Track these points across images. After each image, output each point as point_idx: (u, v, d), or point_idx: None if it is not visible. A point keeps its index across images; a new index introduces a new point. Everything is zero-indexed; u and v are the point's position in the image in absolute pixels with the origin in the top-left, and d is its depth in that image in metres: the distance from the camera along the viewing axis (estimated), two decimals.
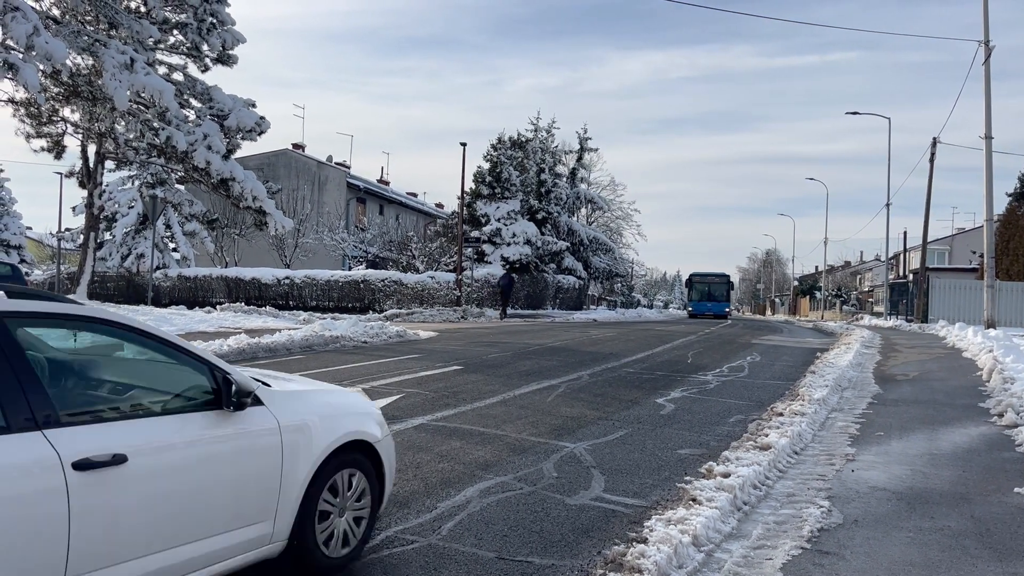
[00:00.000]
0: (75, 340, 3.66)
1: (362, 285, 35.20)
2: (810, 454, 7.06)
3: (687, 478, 5.91)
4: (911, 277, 48.27)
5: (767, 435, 7.19)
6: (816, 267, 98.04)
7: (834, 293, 76.61)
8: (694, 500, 5.08)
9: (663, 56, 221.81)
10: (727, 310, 51.29)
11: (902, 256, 60.46)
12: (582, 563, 4.22)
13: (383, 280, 35.23)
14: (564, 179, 50.09)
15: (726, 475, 5.67)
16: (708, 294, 50.97)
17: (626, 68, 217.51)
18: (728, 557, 4.34)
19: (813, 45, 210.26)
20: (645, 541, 4.28)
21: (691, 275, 53.40)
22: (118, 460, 2.98)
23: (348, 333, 16.71)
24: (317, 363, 12.75)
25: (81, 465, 2.85)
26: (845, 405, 9.89)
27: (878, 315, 46.36)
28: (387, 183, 60.59)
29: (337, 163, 54.49)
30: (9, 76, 14.77)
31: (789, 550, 4.48)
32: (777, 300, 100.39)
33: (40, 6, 17.00)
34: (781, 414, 8.51)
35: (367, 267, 42.50)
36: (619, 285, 65.79)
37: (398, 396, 9.37)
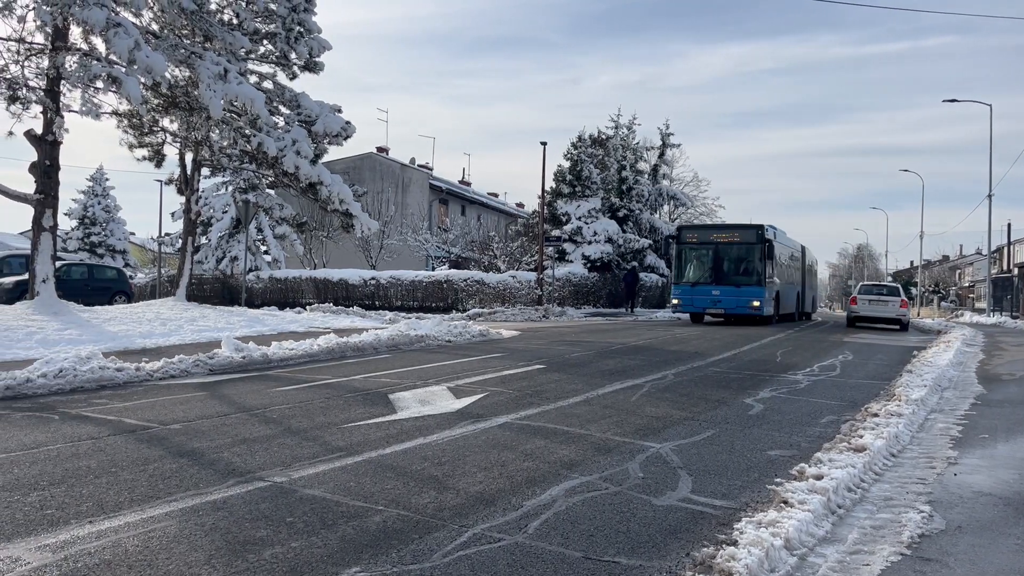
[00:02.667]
0: None
1: (445, 285, 35.61)
2: (908, 457, 6.79)
3: (777, 480, 5.77)
4: (1016, 271, 45.73)
5: (861, 436, 6.95)
6: (911, 262, 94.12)
7: (931, 289, 73.44)
8: (785, 502, 4.95)
9: (745, 48, 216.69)
10: (757, 302, 26.02)
11: (1006, 249, 57.42)
12: (670, 564, 4.17)
13: (465, 280, 35.57)
14: (646, 176, 49.53)
15: (819, 477, 5.52)
16: (718, 267, 26.89)
17: (707, 62, 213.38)
18: (822, 562, 4.22)
19: (904, 31, 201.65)
20: (735, 543, 4.20)
21: (680, 229, 29.84)
22: None
23: (432, 332, 16.95)
24: (403, 362, 12.98)
25: None
26: (946, 406, 9.48)
27: (980, 312, 44.11)
28: (468, 184, 61.19)
29: (420, 165, 55.34)
30: (113, 89, 15.54)
31: (888, 556, 4.32)
32: None
33: (140, 21, 17.82)
34: (876, 415, 8.21)
35: (450, 267, 42.98)
36: None
37: (482, 395, 9.45)
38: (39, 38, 17.12)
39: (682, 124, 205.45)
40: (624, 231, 43.09)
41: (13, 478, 5.55)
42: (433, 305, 35.02)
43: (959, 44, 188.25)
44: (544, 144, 35.31)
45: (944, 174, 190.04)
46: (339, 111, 22.49)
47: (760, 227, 27.15)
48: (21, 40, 16.99)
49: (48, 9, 15.10)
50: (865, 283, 34.52)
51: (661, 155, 52.67)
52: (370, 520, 4.74)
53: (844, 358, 15.69)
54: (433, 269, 43.01)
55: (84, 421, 7.68)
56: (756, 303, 26.22)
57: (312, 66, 22.83)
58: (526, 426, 7.68)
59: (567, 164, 42.95)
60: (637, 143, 50.19)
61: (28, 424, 7.50)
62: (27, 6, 16.14)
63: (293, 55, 22.22)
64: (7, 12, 15.83)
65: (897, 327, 28.21)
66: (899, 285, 34.76)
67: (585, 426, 7.74)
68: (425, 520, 4.77)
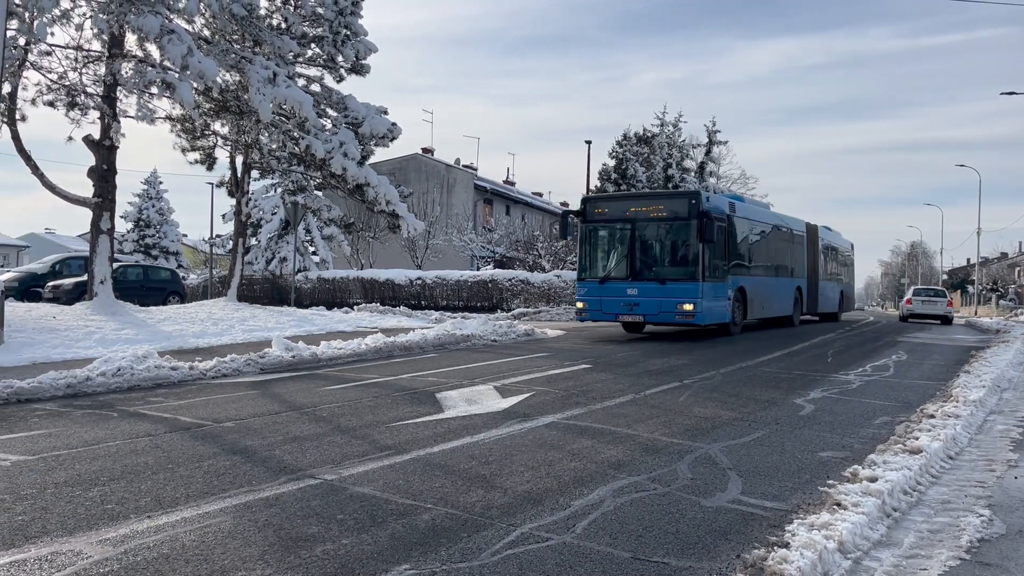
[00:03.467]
0: None
1: (490, 285, 35.70)
2: (966, 459, 6.61)
3: (830, 482, 5.67)
4: None
5: (917, 438, 6.80)
6: (968, 259, 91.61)
7: (989, 287, 71.39)
8: (839, 504, 4.86)
9: (793, 43, 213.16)
10: (690, 305, 17.27)
11: None
12: (720, 566, 4.13)
13: (510, 279, 35.60)
14: (692, 173, 49.07)
15: (873, 479, 5.41)
16: (635, 255, 17.96)
17: (754, 57, 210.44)
18: (878, 566, 4.14)
19: (959, 23, 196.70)
20: (787, 546, 4.14)
21: (585, 201, 19.28)
22: None
23: (478, 332, 17.01)
24: (449, 361, 13.05)
25: None
26: (1005, 407, 9.21)
27: None
28: (513, 183, 61.26)
29: (464, 165, 55.57)
30: (167, 94, 15.93)
31: (946, 560, 4.22)
32: None
33: (193, 28, 18.21)
34: (932, 416, 8.02)
35: (494, 267, 43.09)
36: None
37: (528, 394, 9.46)
38: (96, 46, 17.62)
39: (729, 121, 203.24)
40: None
41: (75, 474, 5.72)
42: (478, 305, 35.14)
43: (1016, 35, 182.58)
44: (589, 143, 35.23)
45: (1002, 169, 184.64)
46: (385, 113, 22.70)
47: (694, 195, 17.70)
48: (79, 48, 17.50)
49: (104, 17, 15.53)
50: (917, 287, 40.37)
51: (708, 152, 52.12)
52: (419, 518, 4.78)
53: (898, 358, 15.34)
54: (478, 269, 43.16)
55: (141, 419, 7.88)
56: (688, 306, 16.85)
57: (359, 68, 23.09)
58: (573, 426, 7.67)
59: (612, 162, 42.78)
60: (683, 140, 49.77)
61: (88, 421, 7.72)
62: (84, 14, 16.62)
63: (340, 58, 22.49)
64: (65, 20, 16.33)
65: (940, 322, 33.34)
66: (945, 289, 41.60)
67: (632, 426, 7.69)
68: (473, 519, 4.79)
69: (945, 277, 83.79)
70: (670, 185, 44.55)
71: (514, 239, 47.01)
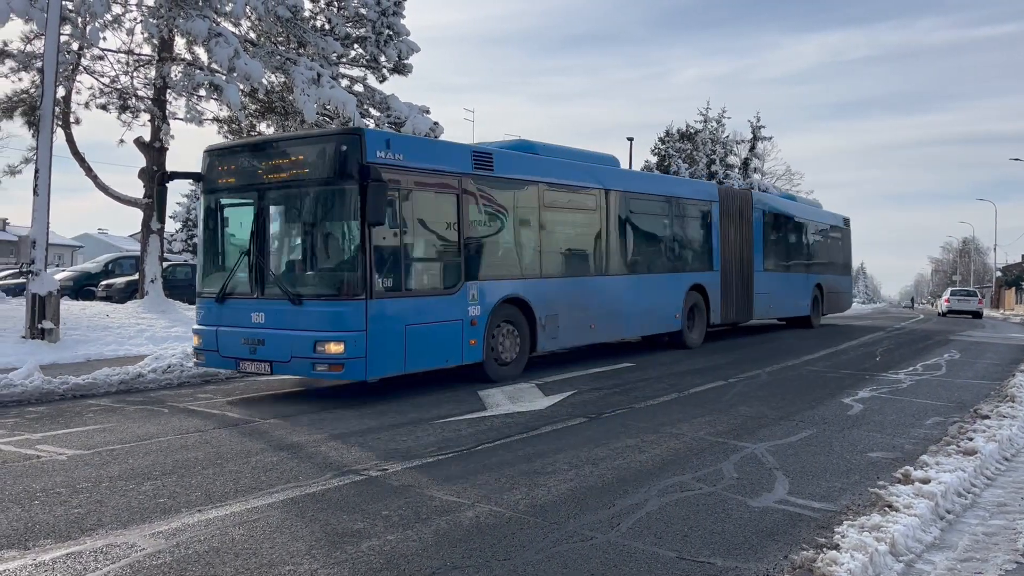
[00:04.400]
0: None
1: None
2: (1023, 461, 6.43)
3: (880, 483, 5.56)
4: None
5: (971, 439, 6.63)
6: (1023, 256, 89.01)
7: None
8: (890, 506, 4.77)
9: (840, 36, 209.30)
10: (338, 344, 8.36)
11: None
12: (767, 567, 4.08)
13: None
14: (736, 170, 48.48)
15: (925, 481, 5.29)
16: (261, 249, 9.17)
17: (799, 51, 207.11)
18: (931, 569, 4.05)
19: (1012, 13, 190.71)
20: (836, 547, 4.07)
21: (208, 153, 9.84)
22: None
23: None
24: None
25: None
26: None
27: None
28: None
29: None
30: (215, 96, 16.24)
31: (1002, 564, 4.11)
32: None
33: (239, 31, 18.51)
34: (987, 416, 7.82)
35: None
36: None
37: (571, 392, 9.44)
38: (146, 49, 18.02)
39: (774, 116, 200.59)
40: None
41: (129, 468, 5.86)
42: None
43: None
44: (631, 139, 35.02)
45: None
46: (427, 112, 22.81)
47: (352, 135, 8.90)
48: (130, 52, 17.91)
49: (154, 21, 15.87)
50: (954, 288, 46.79)
51: (752, 148, 51.45)
52: (463, 515, 4.80)
53: (950, 357, 14.98)
54: None
55: (191, 415, 8.04)
56: (334, 346, 8.44)
57: (401, 68, 23.22)
58: (616, 424, 7.63)
59: (654, 159, 42.46)
60: (727, 136, 49.19)
61: (140, 417, 7.91)
62: (135, 19, 17.01)
63: (383, 58, 22.65)
64: (117, 25, 16.74)
65: (971, 316, 38.15)
66: (976, 289, 46.90)
67: (676, 425, 7.63)
68: (517, 516, 4.80)
69: (999, 274, 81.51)
70: (713, 182, 44.01)
71: None
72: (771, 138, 51.97)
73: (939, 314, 40.62)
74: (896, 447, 6.94)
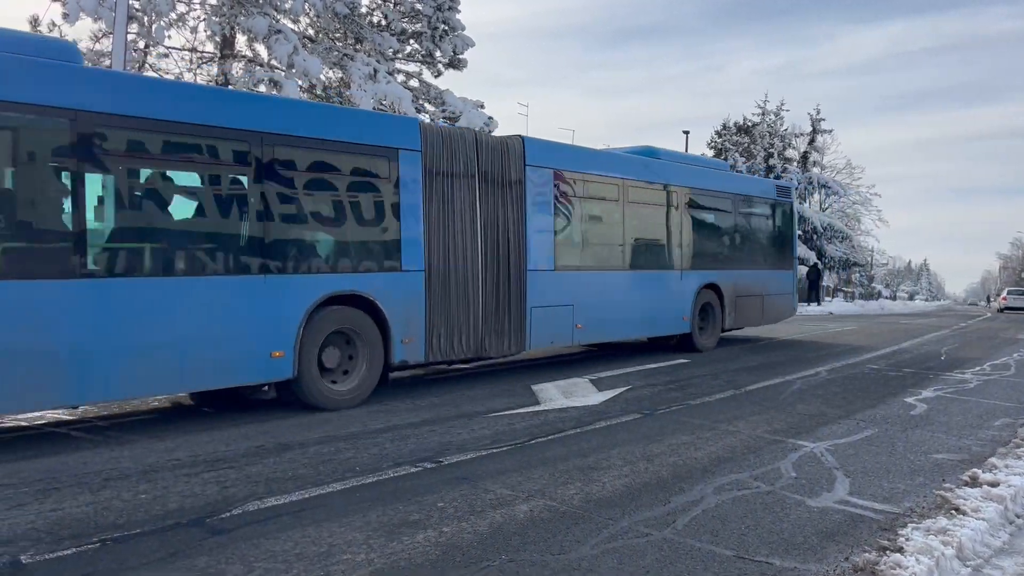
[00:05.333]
0: None
1: None
2: None
3: (947, 485, 5.40)
4: None
5: None
6: None
7: None
8: (956, 509, 4.63)
9: (901, 27, 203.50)
10: None
11: None
12: (827, 569, 4.00)
13: None
14: (795, 164, 47.50)
15: (994, 484, 5.13)
16: None
17: (859, 42, 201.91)
18: (999, 575, 3.92)
19: None
20: (900, 550, 3.97)
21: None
22: None
23: None
24: (542, 351, 13.06)
25: None
26: None
27: None
28: None
29: None
30: (274, 92, 16.50)
31: None
32: None
33: (298, 28, 18.81)
34: None
35: None
36: (857, 275, 61.27)
37: (625, 388, 9.38)
38: (209, 47, 18.44)
39: (833, 108, 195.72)
40: None
41: (192, 455, 6.01)
42: None
43: None
44: (687, 133, 34.60)
45: None
46: (482, 107, 22.87)
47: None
48: (193, 50, 18.35)
49: (217, 19, 16.23)
50: (1011, 287, 48.37)
51: (811, 141, 50.27)
52: (517, 508, 4.81)
53: (1020, 356, 14.47)
54: None
55: (249, 405, 8.21)
56: None
57: (456, 63, 23.31)
58: (671, 420, 7.56)
59: (711, 153, 41.87)
60: (785, 130, 48.18)
61: (202, 406, 8.09)
62: (199, 17, 17.43)
63: (438, 53, 22.77)
64: (181, 24, 17.17)
65: None
66: None
67: (733, 422, 7.53)
68: (571, 511, 4.79)
69: None
70: (771, 176, 43.20)
71: None
72: (831, 131, 50.68)
73: (997, 310, 42.31)
74: (962, 448, 6.74)
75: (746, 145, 43.14)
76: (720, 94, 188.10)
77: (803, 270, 42.42)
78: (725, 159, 40.57)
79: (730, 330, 14.56)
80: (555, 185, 10.50)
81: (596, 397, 8.74)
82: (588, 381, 9.83)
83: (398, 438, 6.65)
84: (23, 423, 7.09)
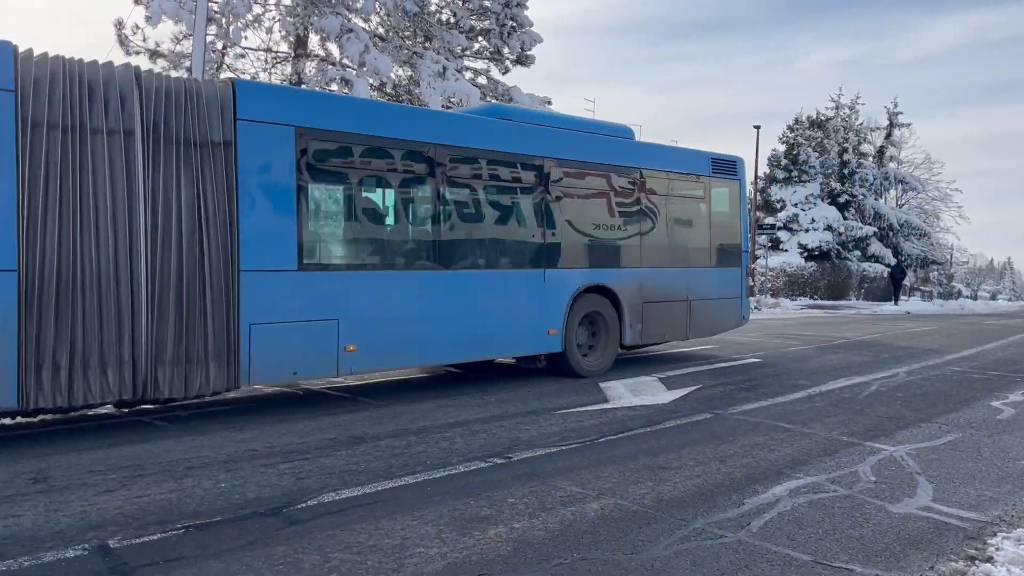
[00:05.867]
0: None
1: None
2: None
3: None
4: None
5: None
6: None
7: None
8: None
9: (983, 16, 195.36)
10: None
11: None
12: None
13: None
14: (870, 158, 46.12)
15: None
16: None
17: (939, 32, 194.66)
18: None
19: None
20: (990, 560, 3.82)
21: None
22: None
23: None
24: None
25: None
26: None
27: None
28: None
29: None
30: (346, 91, 16.80)
31: None
32: None
33: (368, 27, 19.09)
34: None
35: None
36: (936, 274, 59.16)
37: (695, 387, 9.25)
38: (283, 47, 18.86)
39: (911, 101, 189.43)
40: (845, 218, 40.39)
41: (267, 446, 6.16)
42: None
43: None
44: (758, 128, 33.95)
45: None
46: (549, 103, 22.85)
47: None
48: (268, 50, 18.80)
49: (291, 20, 16.59)
50: None
51: (888, 135, 48.72)
52: (588, 506, 4.79)
53: None
54: None
55: (324, 398, 8.38)
56: None
57: (523, 60, 23.34)
58: (743, 421, 7.42)
59: (782, 148, 40.96)
60: (860, 123, 46.81)
61: (277, 399, 8.29)
62: (274, 18, 17.84)
63: (506, 50, 22.83)
64: (257, 24, 17.61)
65: None
66: None
67: (808, 424, 7.34)
68: (643, 511, 4.74)
69: None
70: (845, 171, 42.01)
71: None
72: (909, 124, 49.06)
73: None
74: None
75: (819, 140, 42.05)
76: (792, 87, 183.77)
77: (878, 268, 41.22)
78: (796, 155, 39.53)
79: (638, 347, 11.57)
80: (302, 150, 7.43)
81: (665, 396, 8.64)
82: (657, 380, 9.72)
83: (467, 433, 6.69)
84: (111, 411, 7.38)
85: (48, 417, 6.91)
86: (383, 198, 8.53)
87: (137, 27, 17.16)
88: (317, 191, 7.79)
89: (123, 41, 17.17)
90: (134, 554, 3.93)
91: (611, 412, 7.71)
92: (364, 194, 8.31)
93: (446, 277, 8.61)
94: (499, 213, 9.31)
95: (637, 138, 11.20)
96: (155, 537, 4.16)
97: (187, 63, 16.08)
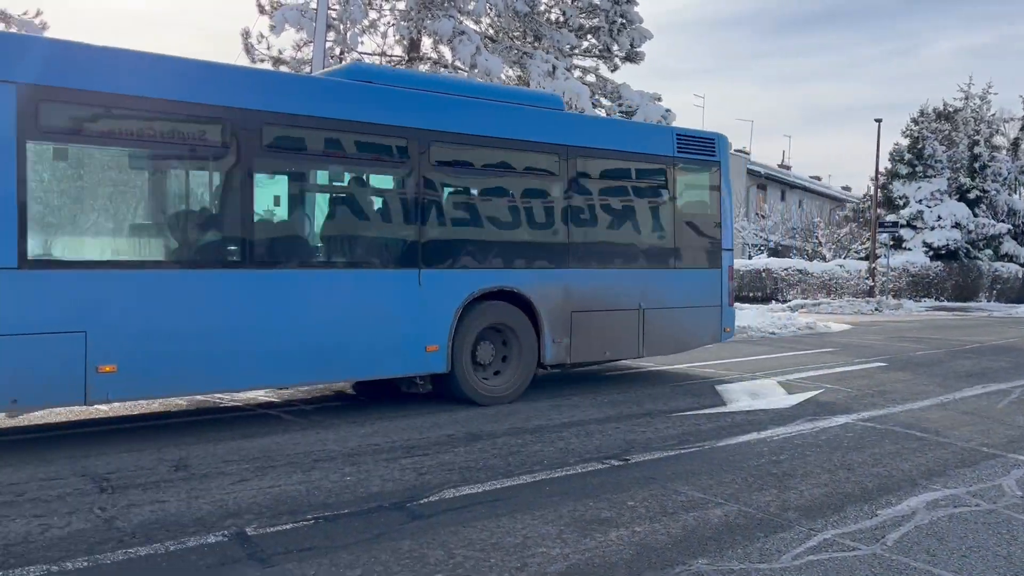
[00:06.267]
0: None
1: (763, 274, 34.24)
2: None
3: None
4: None
5: None
6: None
7: None
8: None
9: None
10: None
11: None
12: None
13: (786, 269, 33.89)
14: (1003, 151, 43.29)
15: None
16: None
17: None
18: None
19: None
20: None
21: None
22: None
23: (754, 323, 16.40)
24: (726, 352, 12.67)
25: None
26: None
27: None
28: (788, 167, 58.21)
29: (736, 150, 53.70)
30: None
31: None
32: None
33: (479, 28, 19.32)
34: None
35: (768, 256, 41.21)
36: None
37: (817, 391, 8.91)
38: (397, 51, 19.31)
39: None
40: (975, 215, 38.03)
41: (390, 442, 6.31)
42: (749, 295, 33.80)
43: None
44: (879, 121, 32.42)
45: None
46: (659, 99, 22.54)
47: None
48: (383, 54, 19.29)
49: (405, 24, 16.98)
50: None
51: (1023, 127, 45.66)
52: (711, 512, 4.68)
53: None
54: (750, 258, 41.53)
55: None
56: None
57: (633, 56, 23.08)
58: (871, 428, 7.09)
59: (905, 142, 38.94)
60: (992, 114, 44.05)
61: (404, 396, 8.49)
62: (388, 23, 18.31)
63: (615, 47, 22.63)
64: (373, 30, 18.11)
65: None
66: None
67: (943, 433, 6.95)
68: (768, 519, 4.60)
69: None
70: (975, 165, 39.57)
71: (790, 226, 44.68)
72: None
73: None
74: None
75: (946, 133, 39.80)
76: (915, 78, 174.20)
77: (1012, 268, 38.66)
78: (921, 149, 37.57)
79: (567, 366, 8.92)
80: (29, 113, 5.69)
81: (786, 400, 8.36)
82: (777, 383, 9.43)
83: (583, 434, 6.66)
84: (240, 404, 7.74)
85: (185, 407, 7.31)
86: (160, 175, 6.63)
87: (262, 36, 17.97)
88: (51, 165, 5.99)
89: (248, 49, 18.00)
90: (269, 542, 4.10)
91: (729, 416, 7.52)
92: (131, 169, 6.51)
93: (260, 278, 6.69)
94: (345, 198, 7.69)
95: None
96: (287, 527, 4.32)
97: (307, 68, 16.69)
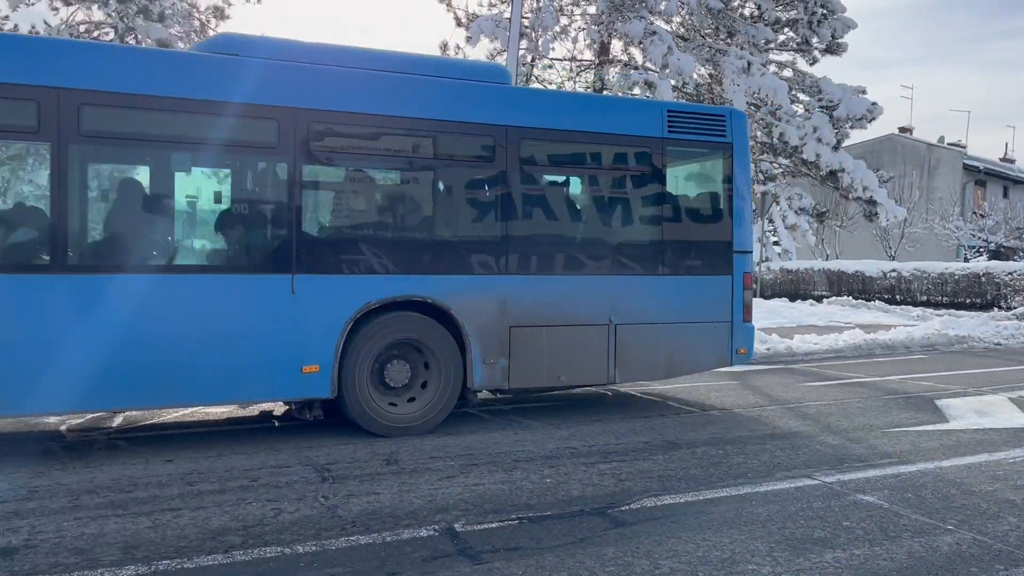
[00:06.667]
0: None
1: (983, 278, 31.17)
2: None
3: None
4: None
5: None
6: None
7: None
8: None
9: None
10: None
11: None
12: None
13: (1010, 273, 30.67)
14: None
15: None
16: None
17: None
18: None
19: None
20: None
21: None
22: None
23: (976, 333, 14.97)
24: (943, 364, 11.69)
25: None
26: None
27: None
28: (1012, 161, 52.80)
29: (950, 144, 49.48)
30: (648, 93, 16.87)
31: None
32: None
33: (670, 27, 19.02)
34: None
35: (988, 258, 37.58)
36: None
37: None
38: (587, 55, 19.41)
39: None
40: None
41: (587, 445, 6.33)
42: (966, 301, 30.89)
43: None
44: None
45: None
46: (863, 92, 21.14)
47: None
48: (573, 59, 19.48)
49: (596, 28, 17.02)
50: None
51: None
52: (939, 539, 4.30)
53: None
54: (966, 260, 38.04)
55: (631, 399, 8.44)
56: None
57: (834, 48, 21.79)
58: None
59: None
60: None
61: (590, 400, 8.51)
62: (579, 28, 18.44)
63: (815, 39, 21.50)
64: (563, 35, 18.33)
65: None
66: None
67: None
68: (1008, 551, 4.16)
69: None
70: None
71: (1014, 225, 40.52)
72: None
73: None
74: None
75: None
76: None
77: None
78: None
79: (504, 390, 7.28)
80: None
81: (1020, 419, 7.55)
82: (1006, 400, 8.54)
83: (788, 447, 6.35)
84: None
85: None
86: None
87: (459, 47, 18.67)
88: None
89: None
90: (477, 539, 4.22)
91: (954, 434, 6.89)
92: None
93: (61, 283, 5.64)
94: (192, 189, 6.54)
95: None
96: (493, 525, 4.44)
97: None
